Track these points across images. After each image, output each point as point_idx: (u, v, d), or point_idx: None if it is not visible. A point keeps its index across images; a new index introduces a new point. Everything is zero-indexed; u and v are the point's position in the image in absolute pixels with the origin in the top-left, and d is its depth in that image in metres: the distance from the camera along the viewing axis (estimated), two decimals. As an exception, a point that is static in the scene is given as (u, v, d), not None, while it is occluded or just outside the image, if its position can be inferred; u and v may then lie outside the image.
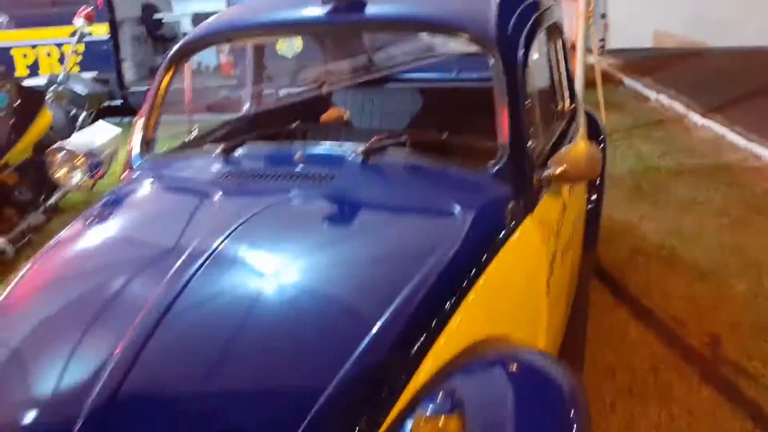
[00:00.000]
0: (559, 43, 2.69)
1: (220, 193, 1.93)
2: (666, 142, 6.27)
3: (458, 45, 2.99)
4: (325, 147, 2.08)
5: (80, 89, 5.00)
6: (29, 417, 1.35)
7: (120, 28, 8.72)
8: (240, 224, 1.72)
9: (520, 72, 2.00)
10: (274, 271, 1.64)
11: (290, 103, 2.97)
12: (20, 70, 6.78)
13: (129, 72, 9.03)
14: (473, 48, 2.09)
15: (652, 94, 8.20)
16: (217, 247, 1.62)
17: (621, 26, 11.28)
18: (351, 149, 2.01)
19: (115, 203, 2.09)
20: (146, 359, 1.37)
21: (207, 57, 8.64)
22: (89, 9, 5.05)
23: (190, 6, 9.47)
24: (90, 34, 5.43)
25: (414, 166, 1.97)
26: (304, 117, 2.53)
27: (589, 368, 2.90)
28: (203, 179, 2.04)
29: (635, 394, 2.74)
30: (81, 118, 4.81)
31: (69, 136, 4.36)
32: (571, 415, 1.39)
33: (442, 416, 1.24)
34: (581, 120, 2.73)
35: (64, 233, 1.93)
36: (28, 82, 4.56)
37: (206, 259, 1.58)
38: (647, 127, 6.80)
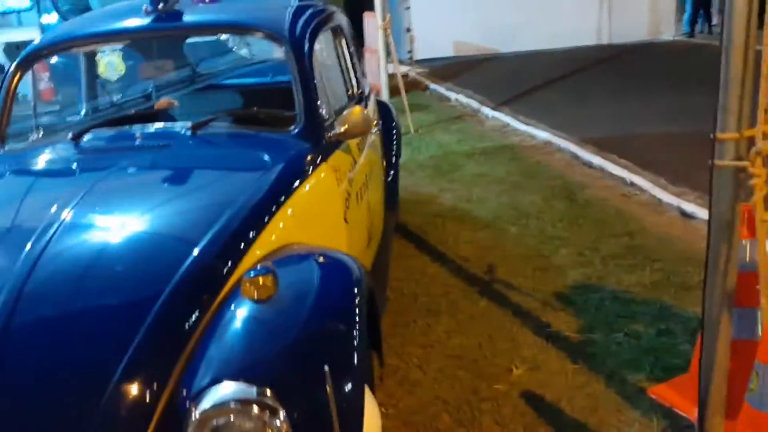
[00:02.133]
0: (343, 41, 3.41)
1: (72, 167, 2.41)
2: (462, 132, 7.31)
3: (263, 48, 3.63)
4: (159, 126, 2.62)
5: None
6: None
7: (-75, 62, 8.51)
8: (90, 188, 2.21)
9: (306, 58, 2.67)
10: (120, 218, 2.14)
11: (124, 106, 3.43)
12: None
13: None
14: (270, 43, 2.72)
15: (452, 95, 9.33)
16: (71, 209, 2.09)
17: (425, 38, 12.54)
18: (181, 126, 2.57)
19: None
20: (22, 306, 1.78)
21: (22, 87, 8.61)
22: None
23: (1, 36, 9.35)
24: None
25: (233, 133, 2.59)
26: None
27: (397, 296, 3.65)
28: (56, 160, 2.50)
29: (432, 311, 3.50)
30: None
31: None
32: (355, 289, 1.98)
33: (260, 276, 1.83)
34: (371, 99, 3.46)
35: None
36: None
37: (62, 221, 2.03)
38: (447, 122, 7.83)
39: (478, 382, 2.88)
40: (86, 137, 2.60)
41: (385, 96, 7.26)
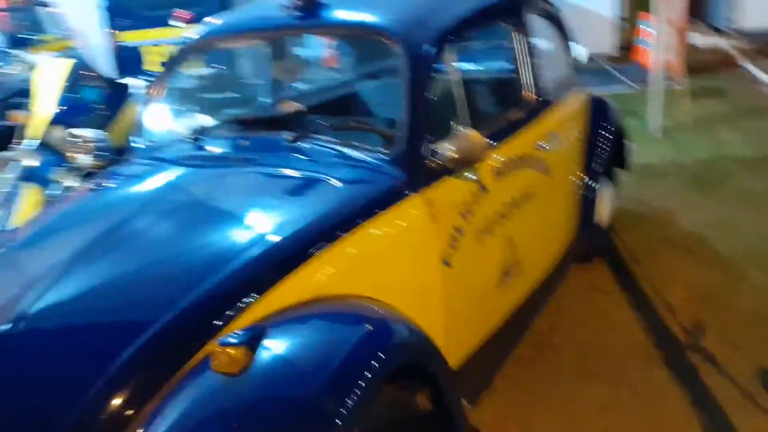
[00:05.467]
0: (522, 38, 2.84)
1: (171, 174, 2.38)
2: (758, 131, 5.93)
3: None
4: (266, 134, 2.46)
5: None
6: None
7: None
8: (160, 197, 2.21)
9: (424, 70, 2.24)
10: (160, 232, 2.04)
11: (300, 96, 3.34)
12: (148, 66, 7.72)
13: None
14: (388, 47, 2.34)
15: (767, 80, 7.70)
16: (134, 214, 2.09)
17: (757, 4, 10.50)
18: (284, 136, 2.37)
19: (104, 177, 2.59)
20: (54, 290, 1.83)
21: (315, 49, 9.27)
22: (185, 12, 5.74)
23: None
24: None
25: (327, 150, 2.30)
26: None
27: (559, 342, 3.06)
28: (166, 162, 2.48)
29: (588, 372, 2.85)
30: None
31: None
32: (366, 371, 1.58)
33: (231, 346, 1.56)
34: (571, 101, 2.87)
35: (59, 200, 2.47)
36: (126, 80, 5.26)
37: (117, 225, 2.04)
38: (742, 116, 6.44)
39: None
40: (203, 138, 2.56)
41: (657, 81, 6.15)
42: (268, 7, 2.70)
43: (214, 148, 2.48)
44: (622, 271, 3.68)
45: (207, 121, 2.72)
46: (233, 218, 2.05)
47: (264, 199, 2.13)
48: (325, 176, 2.15)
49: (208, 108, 3.15)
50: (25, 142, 4.16)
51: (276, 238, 1.89)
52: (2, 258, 2.16)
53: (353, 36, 3.01)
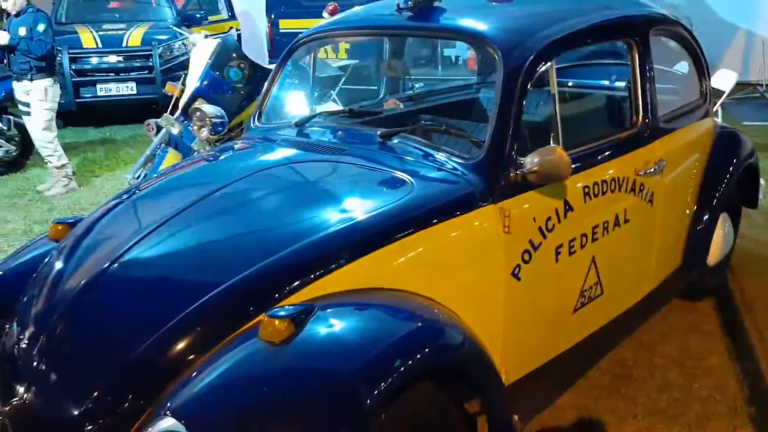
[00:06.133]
0: (641, 59, 2.73)
1: (269, 154, 2.54)
2: None
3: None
4: (362, 128, 2.56)
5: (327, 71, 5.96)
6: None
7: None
8: (266, 174, 2.35)
9: (519, 80, 2.23)
10: (241, 210, 2.18)
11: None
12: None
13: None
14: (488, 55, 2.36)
15: None
16: (234, 186, 2.26)
17: None
18: (377, 131, 2.46)
19: (216, 150, 2.81)
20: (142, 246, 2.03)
21: (464, 51, 9.32)
22: (334, 4, 5.99)
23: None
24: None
25: (416, 149, 2.36)
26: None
27: (642, 377, 2.94)
28: (269, 143, 2.65)
29: (668, 415, 2.71)
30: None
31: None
32: (401, 363, 1.64)
33: (277, 318, 1.68)
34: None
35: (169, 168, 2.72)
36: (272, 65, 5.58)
37: (207, 197, 2.20)
38: None
39: None
40: (308, 125, 2.71)
41: None
42: (383, 7, 2.79)
43: (314, 135, 2.62)
44: (731, 316, 3.44)
45: (318, 108, 2.87)
46: (311, 201, 2.18)
47: (343, 188, 2.24)
48: (405, 174, 2.22)
49: (326, 97, 3.30)
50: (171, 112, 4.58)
51: (344, 227, 1.99)
52: (116, 210, 2.42)
53: (460, 41, 3.03)
